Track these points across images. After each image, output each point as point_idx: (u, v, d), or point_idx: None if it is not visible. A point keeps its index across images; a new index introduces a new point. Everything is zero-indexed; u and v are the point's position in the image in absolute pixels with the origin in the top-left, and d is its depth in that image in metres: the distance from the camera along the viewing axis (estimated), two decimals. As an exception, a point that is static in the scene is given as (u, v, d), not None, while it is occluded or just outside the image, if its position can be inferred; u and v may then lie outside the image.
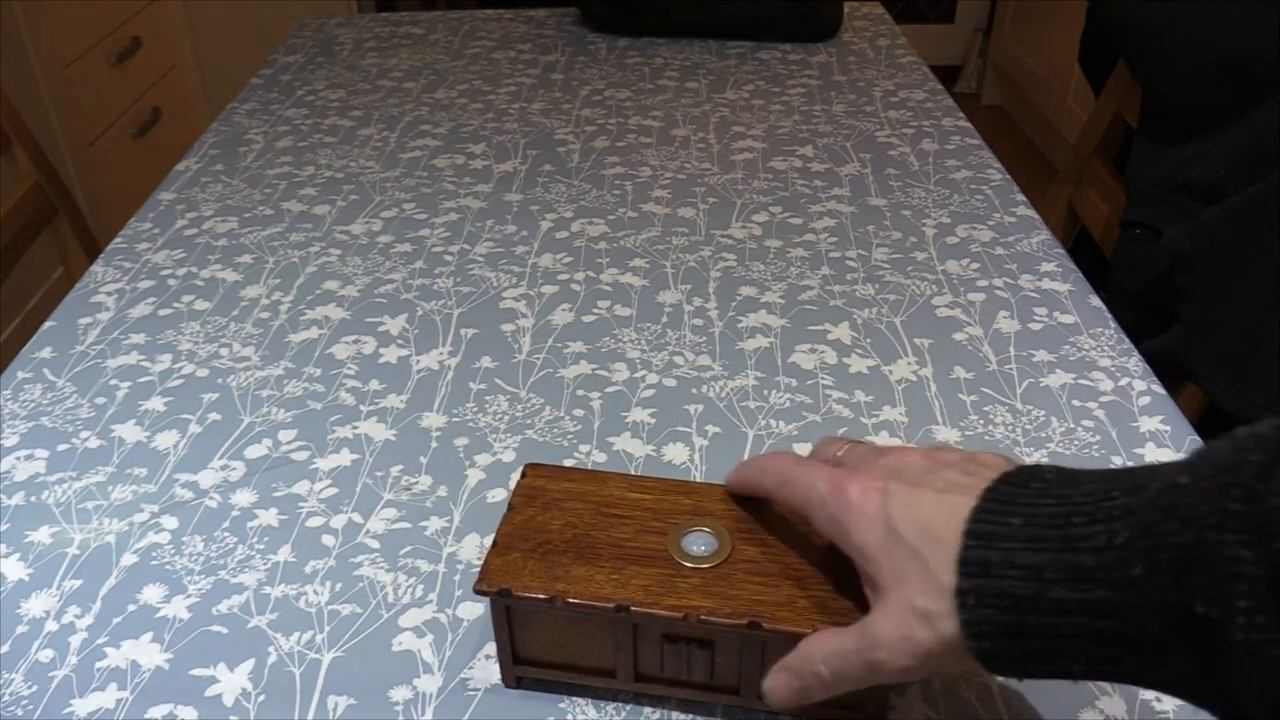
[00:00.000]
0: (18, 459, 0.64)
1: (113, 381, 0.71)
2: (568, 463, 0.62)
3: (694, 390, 0.69)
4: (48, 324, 0.77)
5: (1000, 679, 0.49)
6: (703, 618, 0.43)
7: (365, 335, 0.75)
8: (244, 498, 0.60)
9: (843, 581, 0.44)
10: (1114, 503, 0.34)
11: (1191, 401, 0.97)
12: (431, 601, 0.53)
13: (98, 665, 0.50)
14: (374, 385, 0.70)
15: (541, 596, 0.44)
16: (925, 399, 0.67)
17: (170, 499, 0.60)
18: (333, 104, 1.16)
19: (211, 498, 0.60)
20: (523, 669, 0.48)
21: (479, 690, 0.49)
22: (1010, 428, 0.65)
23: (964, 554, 0.36)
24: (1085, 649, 0.34)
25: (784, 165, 1.00)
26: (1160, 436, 0.64)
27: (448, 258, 0.85)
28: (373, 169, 1.01)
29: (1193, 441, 0.63)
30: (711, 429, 0.65)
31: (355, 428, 0.66)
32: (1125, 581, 0.32)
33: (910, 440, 0.64)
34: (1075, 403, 0.67)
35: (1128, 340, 0.73)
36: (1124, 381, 0.69)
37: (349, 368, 0.72)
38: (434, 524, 0.58)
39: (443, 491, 0.61)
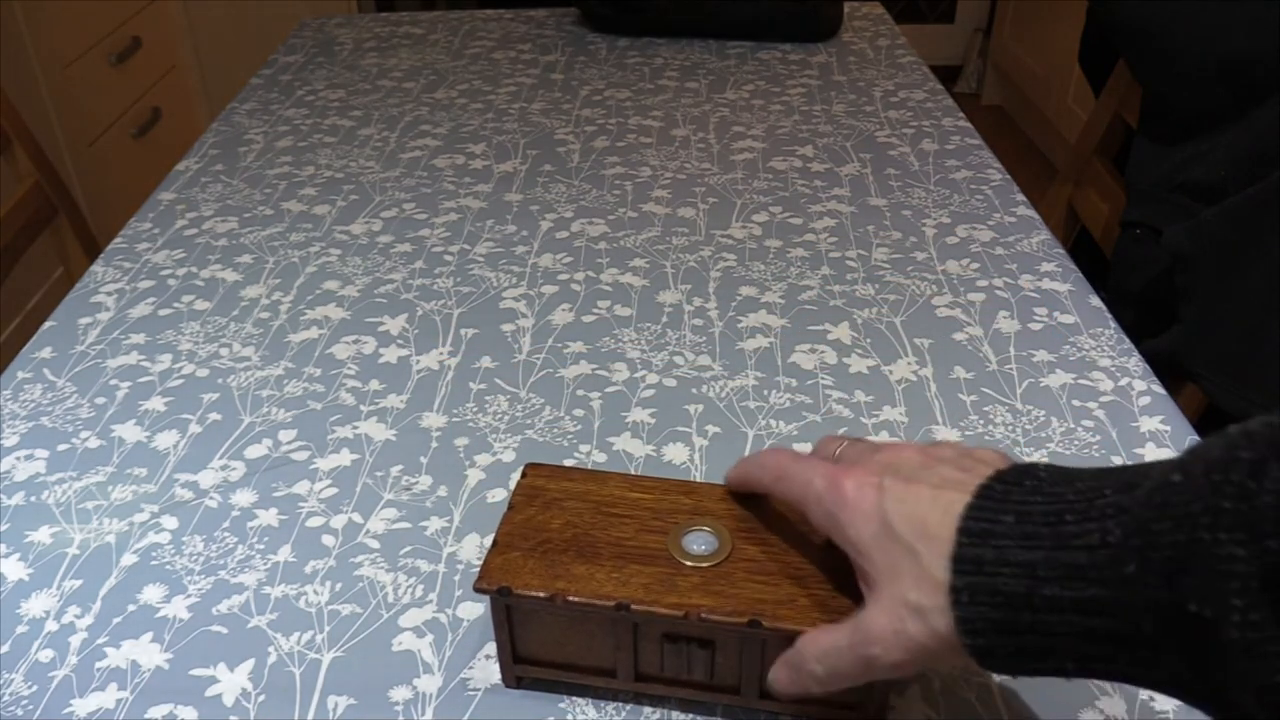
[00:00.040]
0: (18, 459, 0.64)
1: (113, 381, 0.71)
2: (568, 463, 0.62)
3: (694, 390, 0.69)
4: (48, 324, 0.77)
5: (999, 679, 0.49)
6: (703, 616, 0.43)
7: (365, 335, 0.75)
8: (244, 498, 0.60)
9: (843, 580, 0.44)
10: (1106, 501, 0.34)
11: (1191, 401, 0.97)
12: (431, 601, 0.53)
13: (98, 665, 0.50)
14: (374, 385, 0.70)
15: (541, 595, 0.44)
16: (925, 399, 0.67)
17: (170, 499, 0.60)
18: (333, 104, 1.16)
19: (211, 498, 0.60)
20: (523, 668, 0.48)
21: (479, 690, 0.49)
22: (1010, 428, 0.65)
23: (957, 551, 0.37)
24: (1078, 647, 0.34)
25: (784, 165, 1.00)
26: (1160, 436, 0.64)
27: (448, 258, 0.85)
28: (373, 169, 1.01)
29: (1193, 441, 0.63)
30: (711, 429, 0.65)
31: (355, 428, 0.66)
32: (1118, 580, 0.32)
33: (910, 440, 0.64)
34: (1075, 403, 0.67)
35: (1128, 340, 0.73)
36: (1124, 381, 0.69)
37: (349, 368, 0.72)
38: (434, 524, 0.58)
39: (443, 491, 0.61)
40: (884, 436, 0.64)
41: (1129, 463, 0.61)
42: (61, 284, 0.99)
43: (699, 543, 0.47)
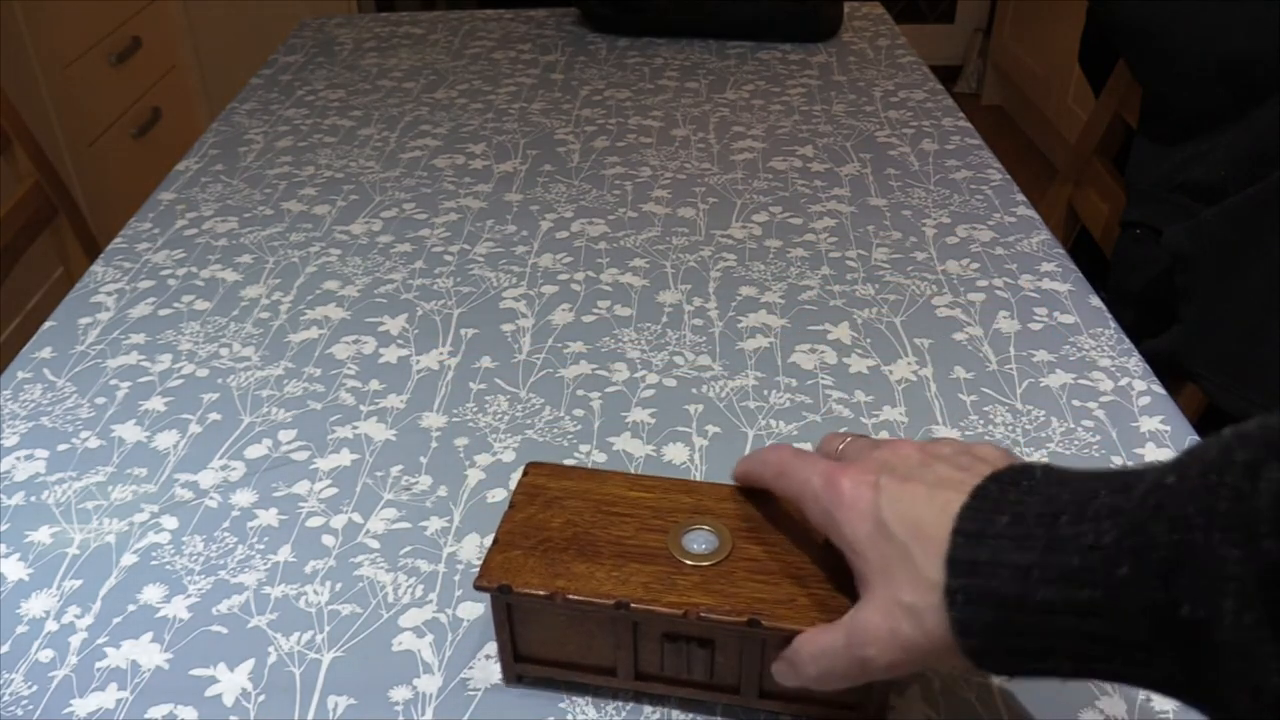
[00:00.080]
0: (18, 459, 0.64)
1: (113, 381, 0.71)
2: (568, 463, 0.62)
3: (694, 390, 0.69)
4: (48, 324, 0.77)
5: (999, 679, 0.49)
6: (702, 615, 0.43)
7: (365, 335, 0.75)
8: (244, 498, 0.60)
9: (843, 579, 0.44)
10: (1101, 502, 0.34)
11: (1191, 401, 0.97)
12: (431, 601, 0.53)
13: (98, 665, 0.50)
14: (374, 385, 0.70)
15: (541, 593, 0.44)
16: (925, 399, 0.67)
17: (170, 499, 0.60)
18: (333, 104, 1.16)
19: (211, 498, 0.60)
20: (523, 667, 0.48)
21: (479, 690, 0.49)
22: (1010, 428, 0.65)
23: (952, 552, 0.37)
24: (1073, 648, 0.34)
25: (784, 165, 1.00)
26: (1160, 436, 0.64)
27: (448, 258, 0.85)
28: (373, 169, 1.01)
29: (1193, 441, 0.63)
30: (711, 429, 0.65)
31: (355, 428, 0.66)
32: (1112, 581, 0.32)
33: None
34: (1075, 403, 0.67)
35: (1128, 340, 0.73)
36: (1124, 381, 0.69)
37: (349, 368, 0.72)
38: (434, 524, 0.58)
39: (443, 491, 0.61)
40: (884, 436, 0.64)
41: (1129, 462, 0.62)
42: (61, 284, 0.99)
43: (699, 542, 0.47)
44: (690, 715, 0.48)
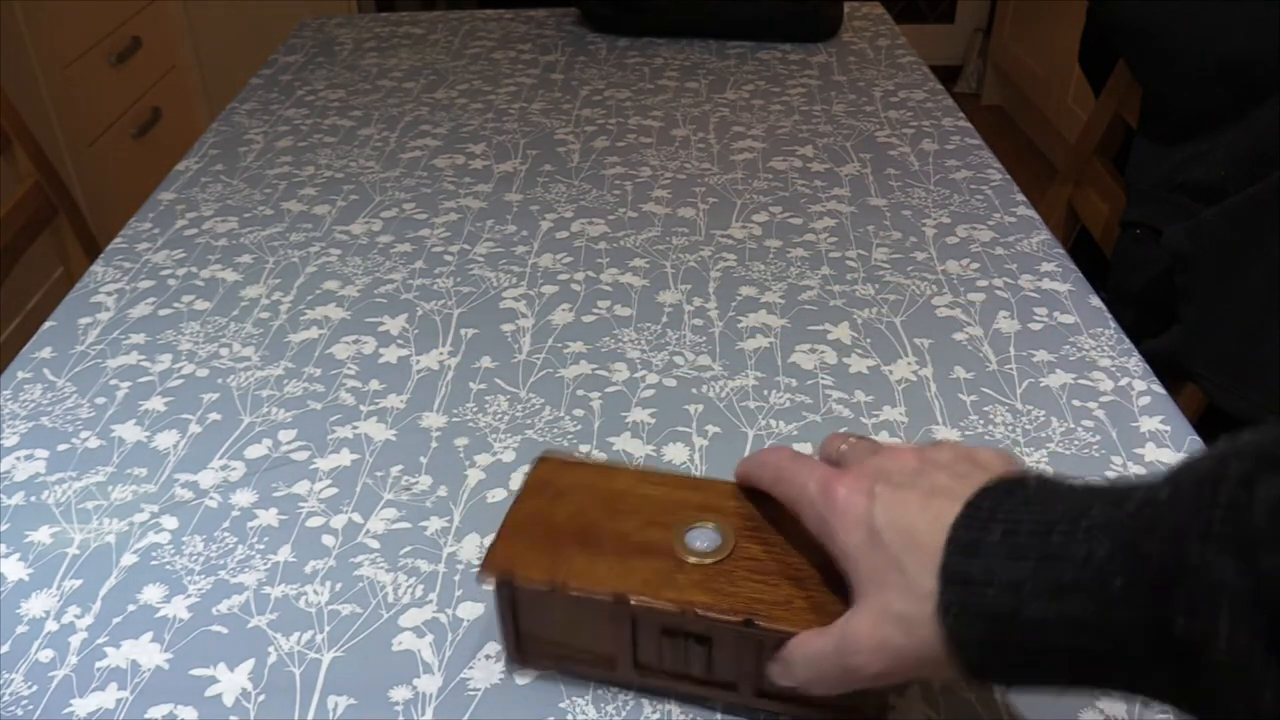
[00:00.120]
0: (18, 459, 0.64)
1: (113, 381, 0.71)
2: (568, 463, 0.62)
3: (694, 390, 0.69)
4: (48, 324, 0.77)
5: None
6: (699, 612, 0.43)
7: (365, 335, 0.75)
8: (244, 498, 0.60)
9: (842, 584, 0.44)
10: (1095, 515, 0.34)
11: (1191, 401, 0.97)
12: (431, 601, 0.53)
13: (98, 665, 0.50)
14: (374, 385, 0.70)
15: (542, 584, 0.45)
16: (925, 399, 0.67)
17: (170, 499, 0.60)
18: (333, 104, 1.16)
19: (211, 498, 0.60)
20: (526, 654, 0.49)
21: (479, 690, 0.49)
22: (1010, 428, 0.65)
23: (945, 564, 0.36)
24: (1066, 662, 0.34)
25: (784, 165, 1.00)
26: (1160, 436, 0.64)
27: (448, 258, 0.85)
28: (373, 169, 1.01)
29: (1193, 441, 0.63)
30: (711, 429, 0.65)
31: (355, 428, 0.66)
32: (1105, 596, 0.32)
33: (910, 441, 0.64)
34: (1075, 403, 0.67)
35: (1128, 340, 0.73)
36: (1124, 381, 0.69)
37: (349, 368, 0.72)
38: (434, 524, 0.58)
39: (443, 491, 0.61)
40: (884, 436, 0.64)
41: (1129, 463, 0.62)
42: (61, 284, 0.99)
43: (702, 539, 0.47)
44: (690, 715, 0.48)
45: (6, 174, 1.11)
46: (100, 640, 0.51)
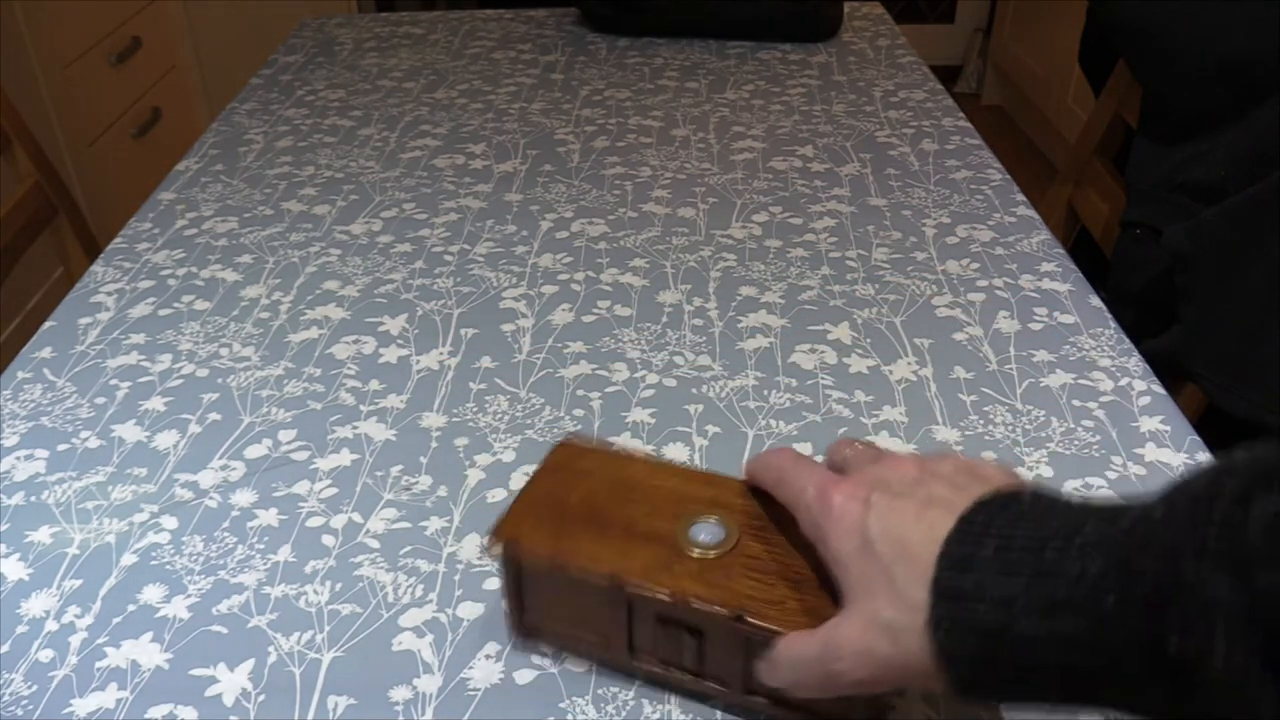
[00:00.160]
0: (18, 459, 0.64)
1: (113, 381, 0.71)
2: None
3: (694, 390, 0.69)
4: (48, 324, 0.77)
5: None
6: (690, 603, 0.44)
7: (365, 335, 0.75)
8: (244, 498, 0.60)
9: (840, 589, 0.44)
10: (1088, 532, 0.33)
11: (1191, 401, 0.96)
12: (431, 601, 0.53)
13: (98, 665, 0.50)
14: (374, 385, 0.70)
15: (544, 557, 0.46)
16: (925, 399, 0.67)
17: (170, 499, 0.60)
18: (333, 104, 1.16)
19: (211, 498, 0.60)
20: (528, 629, 0.50)
21: (479, 690, 0.49)
22: (1010, 428, 0.65)
23: (937, 578, 0.36)
24: (1059, 679, 0.34)
25: (784, 165, 1.00)
26: (1160, 436, 0.64)
27: (448, 258, 0.85)
28: (373, 169, 1.01)
29: (1193, 442, 0.63)
30: (711, 429, 0.65)
31: (355, 428, 0.66)
32: (1098, 613, 0.32)
33: (910, 441, 0.64)
34: (1075, 403, 0.67)
35: (1128, 340, 0.73)
36: (1124, 381, 0.69)
37: (349, 368, 0.72)
38: (434, 524, 0.58)
39: (443, 491, 0.61)
40: (884, 436, 0.64)
41: (1129, 463, 0.62)
42: (61, 284, 0.99)
43: (706, 533, 0.47)
44: (690, 716, 0.48)
45: (6, 174, 1.11)
46: (100, 640, 0.51)
